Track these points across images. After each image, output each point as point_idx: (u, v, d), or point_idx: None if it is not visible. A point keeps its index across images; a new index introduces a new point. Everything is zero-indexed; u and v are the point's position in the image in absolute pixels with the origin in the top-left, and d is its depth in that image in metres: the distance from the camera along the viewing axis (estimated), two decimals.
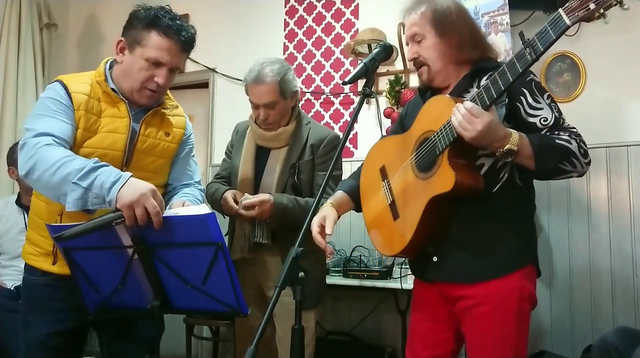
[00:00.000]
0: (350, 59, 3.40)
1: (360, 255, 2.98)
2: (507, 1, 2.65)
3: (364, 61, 1.61)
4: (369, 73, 1.60)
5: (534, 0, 2.73)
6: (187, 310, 1.76)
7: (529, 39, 1.36)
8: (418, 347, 1.73)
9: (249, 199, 2.12)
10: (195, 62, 3.86)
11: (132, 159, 1.74)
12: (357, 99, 3.34)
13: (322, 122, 3.44)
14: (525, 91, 1.53)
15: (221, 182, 2.38)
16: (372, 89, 1.70)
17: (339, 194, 1.85)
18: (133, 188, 1.47)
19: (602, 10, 1.23)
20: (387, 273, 2.79)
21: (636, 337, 2.05)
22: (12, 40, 3.75)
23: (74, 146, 1.65)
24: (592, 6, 1.23)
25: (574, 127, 1.53)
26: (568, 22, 1.28)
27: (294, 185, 2.25)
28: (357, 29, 3.40)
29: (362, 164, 1.91)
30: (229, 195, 2.20)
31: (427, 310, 1.71)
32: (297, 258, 1.27)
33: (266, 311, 1.21)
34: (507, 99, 1.53)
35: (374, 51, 1.65)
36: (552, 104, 1.55)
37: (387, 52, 1.67)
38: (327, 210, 1.74)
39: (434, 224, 1.58)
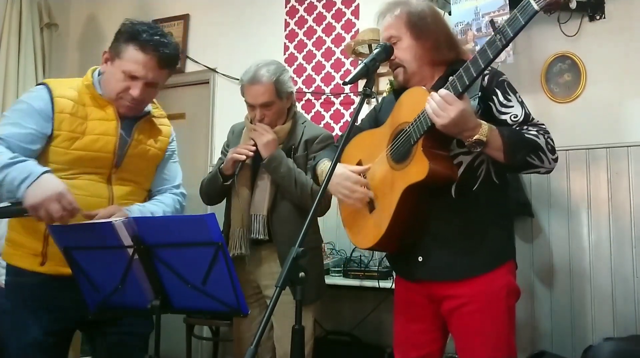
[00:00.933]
0: (350, 59, 3.40)
1: (360, 255, 2.99)
2: (507, 1, 2.65)
3: (364, 61, 1.61)
4: (369, 73, 1.61)
5: None
6: (187, 309, 1.76)
7: (499, 26, 1.39)
8: (407, 348, 1.76)
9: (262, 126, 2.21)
10: (196, 62, 3.87)
11: (122, 162, 1.78)
12: (357, 100, 3.35)
13: (323, 123, 3.45)
14: (497, 90, 1.59)
15: None
16: (373, 90, 1.72)
17: (327, 161, 1.86)
18: (40, 189, 1.52)
19: None
20: (387, 273, 2.79)
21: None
22: (12, 40, 3.76)
23: (61, 148, 1.69)
24: None
25: (543, 124, 1.57)
26: (536, 7, 1.29)
27: None
28: (358, 30, 3.40)
29: (332, 145, 2.01)
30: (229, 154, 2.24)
31: (413, 311, 1.73)
32: (297, 258, 1.27)
33: (266, 310, 1.21)
34: (479, 93, 1.58)
35: (375, 51, 1.66)
36: (522, 102, 1.60)
37: (387, 52, 1.68)
38: (339, 167, 1.71)
39: (409, 214, 1.60)
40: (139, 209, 1.79)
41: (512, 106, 1.57)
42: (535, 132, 1.53)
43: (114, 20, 1.92)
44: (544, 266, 2.81)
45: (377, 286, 2.77)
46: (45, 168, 1.59)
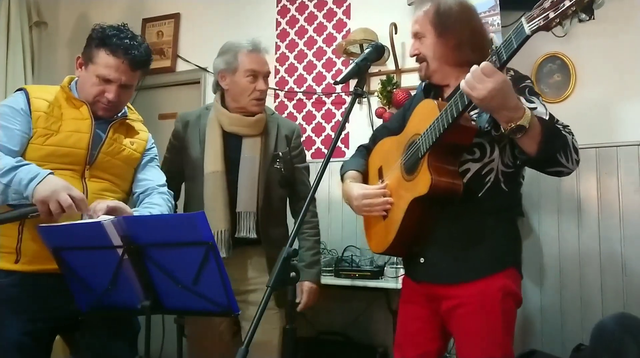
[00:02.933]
0: (342, 59, 3.40)
1: (351, 255, 2.99)
2: (498, 2, 2.66)
3: (355, 61, 1.62)
4: (360, 73, 1.62)
5: (525, 1, 2.74)
6: (179, 310, 1.76)
7: (496, 47, 1.38)
8: (406, 346, 1.76)
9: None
10: (187, 61, 3.85)
11: (96, 160, 1.82)
12: (348, 99, 3.34)
13: (314, 122, 3.45)
14: (519, 96, 1.51)
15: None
16: (364, 89, 1.73)
17: (352, 173, 1.90)
18: (48, 185, 1.59)
19: (558, 19, 1.24)
20: (378, 273, 2.79)
21: (634, 325, 2.05)
22: (0, 39, 3.71)
23: (36, 144, 1.74)
24: (551, 15, 1.24)
25: (568, 125, 1.54)
26: (528, 31, 1.28)
27: (284, 178, 2.18)
28: (349, 29, 3.40)
29: (363, 145, 2.01)
30: None
31: (414, 310, 1.74)
32: (288, 258, 1.27)
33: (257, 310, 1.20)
34: None
35: (366, 51, 1.67)
36: (544, 105, 1.56)
37: (379, 52, 1.68)
38: (355, 185, 1.81)
39: (416, 225, 1.63)
40: (138, 211, 1.81)
41: (536, 107, 1.50)
42: (563, 129, 1.48)
43: (104, 19, 1.92)
44: (533, 265, 2.83)
45: (369, 286, 2.77)
46: (49, 170, 1.65)
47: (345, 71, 1.62)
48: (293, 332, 1.29)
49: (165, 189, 1.97)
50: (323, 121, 3.43)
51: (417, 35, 1.71)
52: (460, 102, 1.44)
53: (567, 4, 1.20)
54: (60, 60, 4.24)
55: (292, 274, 1.27)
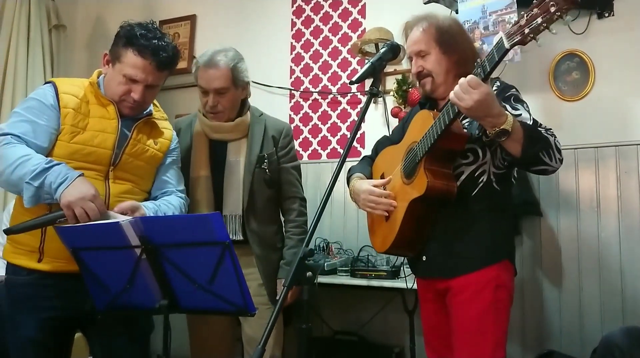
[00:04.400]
0: (357, 58, 3.39)
1: (367, 255, 2.98)
2: (515, 0, 2.64)
3: (371, 61, 1.64)
4: (376, 73, 1.64)
5: None
6: (195, 309, 1.77)
7: (481, 60, 1.55)
8: (434, 341, 1.86)
9: None
10: None
11: (120, 160, 1.82)
12: (364, 99, 3.33)
13: (330, 122, 3.45)
14: (505, 104, 1.65)
15: None
16: (379, 89, 1.74)
17: (359, 175, 2.01)
18: (76, 189, 1.59)
19: (532, 35, 1.42)
20: (394, 273, 2.78)
21: None
22: (21, 41, 3.77)
23: (63, 141, 1.74)
24: (526, 31, 1.42)
25: (550, 129, 1.65)
26: (507, 45, 1.45)
27: (266, 179, 2.20)
28: (364, 29, 3.39)
29: (367, 156, 2.14)
30: None
31: (431, 307, 1.86)
32: (304, 258, 1.27)
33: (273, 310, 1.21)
34: None
35: (381, 51, 1.69)
36: (529, 112, 1.69)
37: (394, 51, 1.69)
38: (364, 181, 1.92)
39: (415, 225, 1.76)
40: (153, 208, 1.82)
41: (521, 113, 1.64)
42: (545, 132, 1.61)
43: (120, 21, 1.93)
44: (553, 265, 2.79)
45: (385, 286, 2.76)
46: (79, 172, 1.65)
47: (360, 71, 1.64)
48: (308, 331, 1.29)
49: (183, 195, 1.98)
50: (338, 121, 3.43)
51: (420, 54, 1.79)
52: (451, 111, 1.57)
53: (540, 21, 1.39)
54: (78, 61, 4.30)
55: (308, 274, 1.27)
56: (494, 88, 1.73)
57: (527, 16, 1.42)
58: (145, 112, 1.90)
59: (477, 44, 2.61)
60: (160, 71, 1.81)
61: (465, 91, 1.48)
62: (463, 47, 1.77)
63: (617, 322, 2.58)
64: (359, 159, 2.17)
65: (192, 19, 4.00)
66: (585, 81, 2.78)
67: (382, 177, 1.93)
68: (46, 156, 1.69)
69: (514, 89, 1.75)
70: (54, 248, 1.71)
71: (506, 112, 1.53)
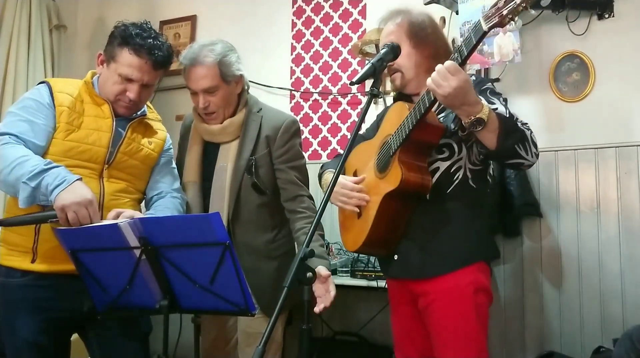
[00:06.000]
0: (357, 59, 3.39)
1: (367, 255, 2.97)
2: None
3: (371, 61, 1.64)
4: (376, 73, 1.63)
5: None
6: (195, 309, 1.77)
7: (458, 45, 1.49)
8: (405, 346, 1.80)
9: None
10: None
11: (115, 159, 1.82)
12: (364, 100, 3.34)
13: (330, 123, 3.45)
14: (481, 97, 1.60)
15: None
16: (380, 90, 1.74)
17: (332, 170, 1.96)
18: (72, 193, 1.57)
19: (511, 16, 1.36)
20: None
21: None
22: (22, 41, 3.78)
23: (58, 139, 1.74)
24: (505, 12, 1.36)
25: (526, 123, 1.60)
26: (485, 27, 1.40)
27: (254, 185, 2.04)
28: (365, 29, 3.39)
29: (339, 154, 2.06)
30: None
31: (404, 310, 1.79)
32: (304, 258, 1.27)
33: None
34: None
35: (382, 51, 1.68)
36: (506, 105, 1.64)
37: (394, 52, 1.69)
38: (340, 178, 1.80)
39: (388, 221, 1.70)
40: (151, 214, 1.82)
41: (497, 107, 1.58)
42: (521, 125, 1.57)
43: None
44: (552, 267, 2.79)
45: (385, 286, 2.76)
46: (78, 176, 1.64)
47: (361, 72, 1.63)
48: (309, 332, 1.28)
49: (179, 194, 1.97)
50: (339, 122, 3.43)
51: None
52: (427, 99, 1.53)
53: (518, 1, 1.33)
54: (78, 61, 4.30)
55: (309, 274, 1.27)
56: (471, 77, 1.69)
57: None
58: (139, 113, 1.92)
59: None
60: (155, 69, 1.82)
61: (443, 78, 1.43)
62: (435, 42, 1.74)
63: (617, 323, 2.58)
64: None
65: (192, 19, 4.01)
66: (586, 82, 2.78)
67: (355, 174, 1.88)
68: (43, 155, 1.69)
69: (490, 83, 1.72)
70: (47, 248, 1.71)
71: (482, 102, 1.49)
